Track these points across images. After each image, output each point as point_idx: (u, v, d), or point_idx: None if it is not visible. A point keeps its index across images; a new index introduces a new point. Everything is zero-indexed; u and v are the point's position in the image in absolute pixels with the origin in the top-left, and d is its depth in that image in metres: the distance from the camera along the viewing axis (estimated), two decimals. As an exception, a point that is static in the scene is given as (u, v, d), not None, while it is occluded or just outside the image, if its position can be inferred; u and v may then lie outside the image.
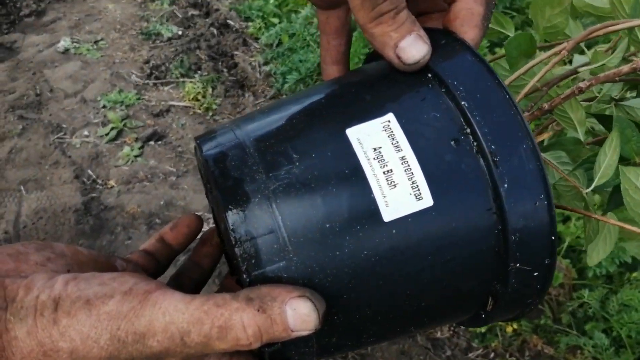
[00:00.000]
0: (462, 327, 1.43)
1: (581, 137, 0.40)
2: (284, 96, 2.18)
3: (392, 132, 0.30)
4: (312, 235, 0.28)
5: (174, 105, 2.21)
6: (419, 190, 0.29)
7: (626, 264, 1.35)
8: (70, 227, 1.69)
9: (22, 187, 1.81)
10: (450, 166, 0.29)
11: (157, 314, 0.26)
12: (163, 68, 2.38)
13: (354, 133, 0.30)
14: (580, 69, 0.40)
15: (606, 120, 0.42)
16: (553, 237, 0.29)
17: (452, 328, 1.45)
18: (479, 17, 0.34)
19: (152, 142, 2.03)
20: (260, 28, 2.56)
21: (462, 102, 0.30)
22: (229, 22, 2.63)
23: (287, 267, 0.28)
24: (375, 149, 0.30)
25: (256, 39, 2.55)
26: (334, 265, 0.28)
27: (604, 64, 0.38)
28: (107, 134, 2.03)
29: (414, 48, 0.31)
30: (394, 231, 0.29)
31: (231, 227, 0.28)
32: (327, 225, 0.28)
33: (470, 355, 1.39)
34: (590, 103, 0.43)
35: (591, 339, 1.31)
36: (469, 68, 0.31)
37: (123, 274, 0.29)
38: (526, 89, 0.38)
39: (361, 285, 0.29)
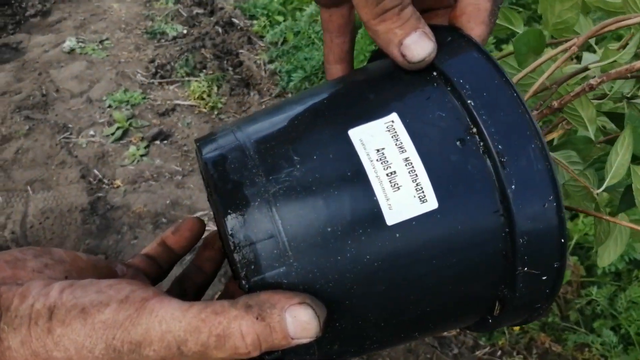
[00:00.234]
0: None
1: (592, 135, 0.39)
2: (288, 95, 2.18)
3: (395, 132, 0.29)
4: (313, 239, 0.27)
5: (179, 105, 2.21)
6: (423, 192, 0.28)
7: (635, 261, 1.34)
8: (76, 227, 1.69)
9: (28, 188, 1.81)
10: (455, 167, 0.28)
11: (153, 322, 0.26)
12: (168, 67, 2.38)
13: (356, 134, 0.29)
14: (590, 66, 0.39)
15: (618, 118, 0.41)
16: (562, 240, 0.28)
17: (459, 327, 1.44)
18: (485, 13, 0.33)
19: (157, 142, 2.03)
20: (265, 26, 2.56)
21: (469, 101, 0.29)
22: (234, 20, 2.63)
23: (288, 272, 0.27)
24: (378, 150, 0.29)
25: (261, 37, 2.54)
26: (336, 270, 0.28)
27: (615, 61, 0.37)
28: (113, 134, 2.03)
29: (419, 45, 0.30)
30: (397, 235, 0.28)
31: (230, 232, 0.27)
32: (329, 230, 0.27)
33: (477, 353, 1.38)
34: (601, 101, 0.42)
35: (599, 337, 1.31)
36: (476, 66, 0.30)
37: (120, 281, 0.28)
38: (535, 87, 0.37)
39: (364, 291, 0.28)
